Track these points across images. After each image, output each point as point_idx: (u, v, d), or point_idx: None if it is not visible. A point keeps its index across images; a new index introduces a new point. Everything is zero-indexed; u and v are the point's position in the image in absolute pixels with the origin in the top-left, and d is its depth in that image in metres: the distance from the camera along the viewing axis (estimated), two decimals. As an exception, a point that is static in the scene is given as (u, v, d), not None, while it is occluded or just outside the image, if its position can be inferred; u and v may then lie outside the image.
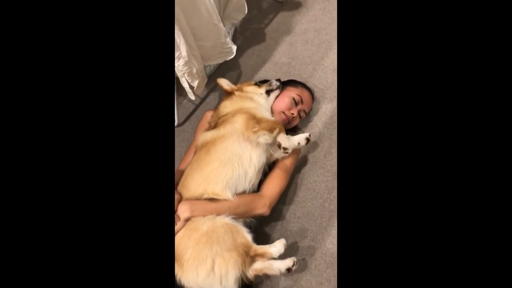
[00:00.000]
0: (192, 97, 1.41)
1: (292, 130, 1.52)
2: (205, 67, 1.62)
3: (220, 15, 1.43)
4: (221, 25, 1.31)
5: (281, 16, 1.97)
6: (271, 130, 1.16)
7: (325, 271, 1.29)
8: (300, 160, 1.51)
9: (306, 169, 1.50)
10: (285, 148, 1.20)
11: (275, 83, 1.42)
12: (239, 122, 1.16)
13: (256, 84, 1.43)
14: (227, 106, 1.29)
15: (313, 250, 1.33)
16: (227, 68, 1.83)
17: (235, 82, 1.79)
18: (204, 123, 1.40)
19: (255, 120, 1.17)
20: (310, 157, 1.53)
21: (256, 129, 1.14)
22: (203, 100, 1.75)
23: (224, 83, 1.40)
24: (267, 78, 1.68)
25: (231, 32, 1.79)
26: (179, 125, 1.68)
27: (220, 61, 1.48)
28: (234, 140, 1.15)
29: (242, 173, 1.14)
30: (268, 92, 1.39)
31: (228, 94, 1.38)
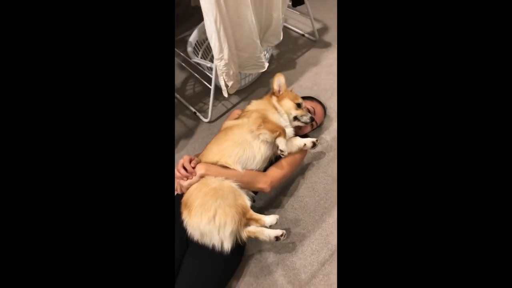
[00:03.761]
0: (225, 95, 1.73)
1: (302, 138, 1.77)
2: (241, 76, 1.97)
3: (260, 37, 1.80)
4: (258, 42, 1.66)
5: (312, 51, 2.33)
6: (272, 131, 1.37)
7: (310, 257, 1.44)
8: (306, 164, 1.74)
9: (309, 172, 1.72)
10: (281, 150, 1.37)
11: (307, 119, 1.51)
12: (252, 117, 1.43)
13: (298, 104, 1.51)
14: (254, 105, 1.58)
15: (303, 238, 1.50)
16: (258, 84, 2.17)
17: (263, 96, 2.12)
18: (231, 118, 1.70)
19: (263, 120, 1.40)
20: (314, 162, 1.75)
21: (260, 126, 1.37)
22: (234, 105, 2.08)
23: (278, 81, 1.52)
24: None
25: (267, 56, 2.16)
26: (211, 121, 2.00)
27: (253, 71, 1.82)
28: (246, 129, 1.40)
29: (251, 156, 1.39)
30: (296, 119, 1.52)
31: (270, 94, 1.59)
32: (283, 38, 1.92)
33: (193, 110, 2.06)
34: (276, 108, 1.55)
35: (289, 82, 2.15)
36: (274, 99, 1.58)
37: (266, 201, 1.64)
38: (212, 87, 1.83)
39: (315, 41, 2.38)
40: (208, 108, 1.98)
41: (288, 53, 2.34)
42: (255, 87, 2.16)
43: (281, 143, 1.38)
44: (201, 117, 2.03)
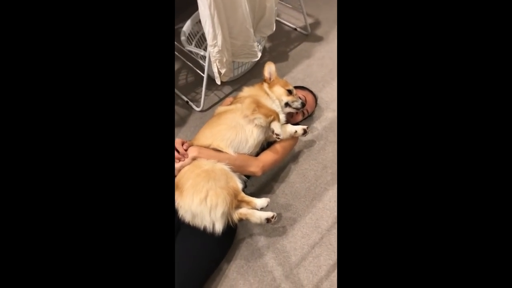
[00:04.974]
0: (218, 82, 1.75)
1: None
2: (234, 66, 1.98)
3: (253, 27, 1.82)
4: (251, 30, 1.68)
5: (304, 45, 2.37)
6: (266, 116, 1.40)
7: (300, 240, 1.47)
8: (297, 152, 1.77)
9: (300, 159, 1.75)
10: (277, 134, 1.40)
11: (298, 105, 1.54)
12: (245, 102, 1.46)
13: (288, 90, 1.54)
14: (246, 91, 1.60)
15: (293, 222, 1.52)
16: (251, 75, 2.19)
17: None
18: (223, 105, 1.72)
19: (257, 104, 1.43)
20: (305, 150, 1.78)
21: (255, 111, 1.39)
22: (226, 95, 2.10)
23: (268, 68, 1.56)
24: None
25: (260, 47, 2.18)
26: (203, 111, 2.02)
27: (246, 60, 1.84)
28: (239, 114, 1.43)
29: (243, 139, 1.41)
30: (287, 105, 1.55)
31: (262, 81, 1.62)
32: (276, 32, 1.95)
33: (185, 99, 2.07)
34: (268, 94, 1.57)
35: (281, 74, 2.18)
36: (265, 85, 1.61)
37: (257, 187, 1.65)
38: (205, 76, 1.84)
39: (307, 35, 2.42)
40: (200, 97, 1.99)
41: (281, 46, 2.37)
42: (248, 77, 2.18)
43: (276, 126, 1.41)
44: (194, 106, 2.04)
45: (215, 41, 1.55)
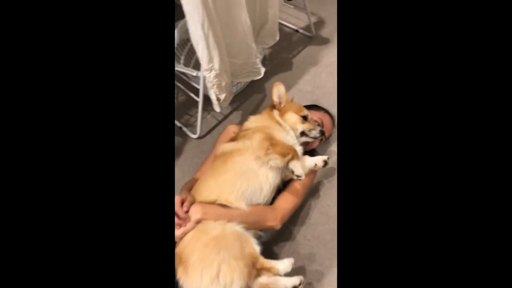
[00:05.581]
0: (218, 109, 1.47)
1: (310, 154, 1.54)
2: (232, 85, 1.70)
3: (254, 38, 1.53)
4: (253, 45, 1.39)
5: (309, 49, 2.08)
6: (283, 155, 1.14)
7: (331, 300, 1.23)
8: (316, 183, 1.51)
9: (321, 193, 1.49)
10: (298, 176, 1.16)
11: (316, 133, 1.31)
12: (255, 139, 1.18)
13: (303, 117, 1.30)
14: (254, 121, 1.32)
15: (321, 276, 1.28)
16: (252, 91, 1.91)
17: (258, 104, 1.87)
18: (225, 136, 1.44)
19: (270, 142, 1.17)
20: (325, 181, 1.52)
21: (269, 151, 1.14)
22: (225, 117, 1.82)
23: (277, 91, 1.32)
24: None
25: (261, 58, 1.89)
26: (200, 137, 1.74)
27: (248, 79, 1.56)
28: (250, 156, 1.16)
29: (257, 188, 1.15)
30: (303, 134, 1.30)
31: (270, 107, 1.35)
32: None
33: (179, 125, 1.78)
34: (280, 124, 1.30)
35: (286, 86, 1.87)
36: (275, 113, 1.33)
37: (273, 233, 1.40)
38: (200, 99, 1.56)
39: (311, 37, 2.13)
40: (196, 121, 1.71)
41: (282, 52, 2.07)
42: (249, 93, 1.90)
43: (296, 167, 1.16)
44: (189, 133, 1.75)
45: (211, 65, 1.26)
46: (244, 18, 1.25)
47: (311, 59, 2.02)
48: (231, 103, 1.84)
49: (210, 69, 1.28)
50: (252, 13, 1.38)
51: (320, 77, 1.93)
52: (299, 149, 1.29)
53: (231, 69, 1.41)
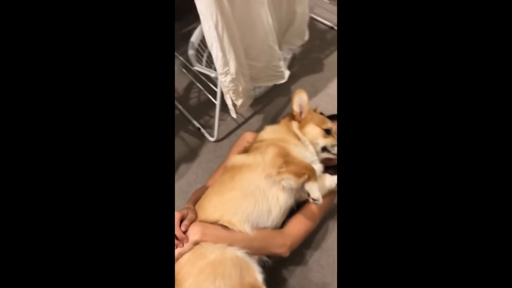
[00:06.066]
0: (234, 115, 1.36)
1: (333, 168, 1.39)
2: (254, 88, 1.58)
3: (279, 39, 1.39)
4: (276, 47, 1.26)
5: (344, 49, 1.89)
6: (298, 175, 1.00)
7: None
8: (335, 204, 1.36)
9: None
10: (314, 199, 1.01)
11: None
12: (268, 154, 1.06)
13: (326, 130, 1.15)
14: (269, 132, 1.20)
15: (332, 311, 1.15)
16: (276, 93, 1.77)
17: (282, 108, 1.73)
18: (240, 143, 1.33)
19: (285, 158, 1.03)
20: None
21: (282, 169, 1.01)
22: (246, 120, 1.71)
23: (299, 100, 1.18)
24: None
25: (289, 58, 1.74)
26: (218, 140, 1.65)
27: (270, 84, 1.43)
28: (260, 173, 1.04)
29: (265, 211, 1.03)
30: (325, 150, 1.16)
31: (289, 117, 1.22)
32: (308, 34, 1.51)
33: (197, 125, 1.70)
34: (298, 138, 1.17)
35: (315, 90, 1.74)
36: (294, 125, 1.20)
37: (284, 255, 1.28)
38: (217, 102, 1.46)
39: (347, 36, 1.93)
40: (214, 122, 1.62)
41: (314, 51, 1.90)
42: (272, 96, 1.77)
43: (312, 189, 1.02)
44: (207, 135, 1.67)
45: (226, 68, 1.15)
46: (265, 17, 1.11)
47: (345, 61, 1.83)
48: (252, 106, 1.73)
49: (226, 73, 1.17)
50: (278, 11, 1.24)
51: (353, 81, 1.75)
52: (318, 167, 1.15)
53: (250, 72, 1.29)
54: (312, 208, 1.15)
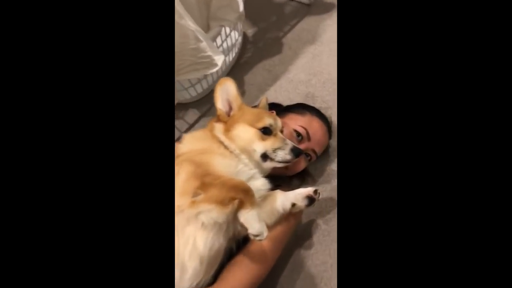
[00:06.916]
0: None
1: (299, 178, 1.03)
2: (191, 82, 1.23)
3: (201, 12, 1.04)
4: (201, 44, 0.92)
5: (307, 22, 1.53)
6: (223, 203, 0.66)
7: None
8: (304, 226, 1.00)
9: (312, 242, 0.98)
10: (254, 235, 0.67)
11: (285, 155, 0.81)
12: (179, 177, 0.71)
13: (264, 129, 0.82)
14: (187, 142, 0.85)
15: None
16: (227, 87, 1.42)
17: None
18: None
19: (202, 180, 0.69)
20: (320, 221, 1.00)
21: (198, 197, 0.67)
22: (191, 126, 1.35)
23: (224, 93, 0.85)
24: (276, 100, 1.23)
25: (237, 37, 1.38)
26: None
27: (198, 75, 1.07)
28: None
29: (176, 266, 0.68)
30: (266, 158, 0.82)
31: (214, 119, 0.90)
32: (262, 10, 1.16)
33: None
34: (224, 145, 0.81)
35: (273, 76, 1.38)
36: (217, 128, 0.84)
37: None
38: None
39: (309, 5, 1.57)
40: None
41: (271, 30, 1.54)
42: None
43: (248, 220, 0.68)
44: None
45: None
46: (185, 23, 0.77)
47: (308, 35, 1.47)
48: (198, 107, 1.37)
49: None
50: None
51: (319, 59, 1.38)
52: (261, 184, 0.80)
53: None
54: (257, 246, 0.79)
